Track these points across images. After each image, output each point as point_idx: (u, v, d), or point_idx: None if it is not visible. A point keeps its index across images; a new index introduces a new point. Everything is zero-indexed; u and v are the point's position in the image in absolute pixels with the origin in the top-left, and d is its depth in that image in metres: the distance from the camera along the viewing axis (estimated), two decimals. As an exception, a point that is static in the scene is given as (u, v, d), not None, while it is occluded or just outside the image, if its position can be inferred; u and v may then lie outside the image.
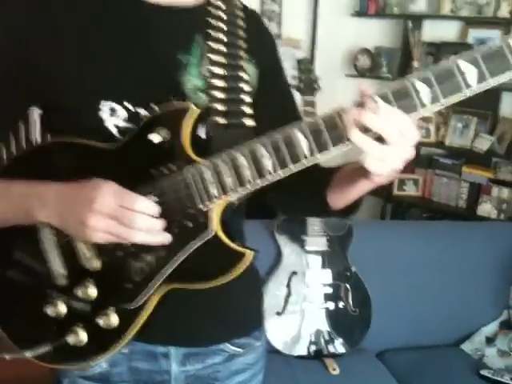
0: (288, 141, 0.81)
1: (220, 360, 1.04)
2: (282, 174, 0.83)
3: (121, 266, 0.89)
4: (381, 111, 0.76)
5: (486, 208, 3.56)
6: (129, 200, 0.82)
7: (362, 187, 0.92)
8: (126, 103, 0.90)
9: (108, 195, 0.81)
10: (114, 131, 0.91)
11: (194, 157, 0.86)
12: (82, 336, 0.91)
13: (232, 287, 0.89)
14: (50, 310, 0.91)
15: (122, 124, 0.91)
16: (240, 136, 0.91)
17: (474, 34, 3.60)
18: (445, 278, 2.34)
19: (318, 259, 2.16)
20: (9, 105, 0.94)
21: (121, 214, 0.81)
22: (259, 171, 0.83)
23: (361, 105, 0.79)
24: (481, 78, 0.75)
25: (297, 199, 1.07)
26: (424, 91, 0.76)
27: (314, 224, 2.17)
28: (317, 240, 2.17)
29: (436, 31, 3.72)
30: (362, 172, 0.86)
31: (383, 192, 3.77)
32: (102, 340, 0.92)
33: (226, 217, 0.88)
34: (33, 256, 0.93)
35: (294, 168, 0.82)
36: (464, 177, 3.67)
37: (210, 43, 0.95)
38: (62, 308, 0.91)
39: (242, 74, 0.97)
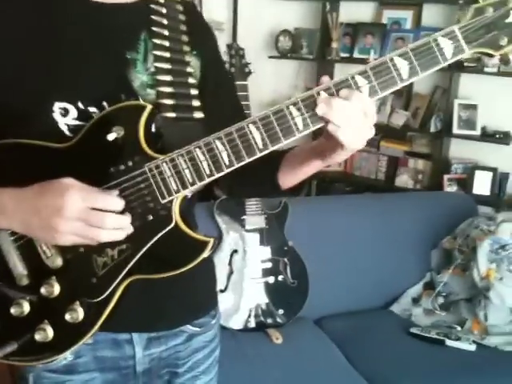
0: (242, 134, 0.85)
1: (181, 341, 1.09)
2: (237, 165, 0.86)
3: (84, 262, 0.89)
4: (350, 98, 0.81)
5: (403, 179, 3.80)
6: (96, 201, 0.83)
7: (313, 168, 0.97)
8: (79, 103, 0.91)
9: (76, 199, 0.81)
10: (65, 130, 0.91)
11: (150, 153, 0.87)
12: (49, 332, 0.90)
13: (189, 271, 0.91)
14: (14, 310, 0.91)
15: (72, 122, 0.91)
16: (190, 129, 0.96)
17: (388, 15, 3.78)
18: (372, 246, 2.51)
19: (257, 237, 2.26)
20: None
21: (90, 215, 0.82)
22: (216, 164, 0.86)
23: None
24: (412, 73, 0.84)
25: (247, 183, 1.10)
26: (364, 84, 0.83)
27: (252, 203, 2.26)
28: (255, 218, 2.26)
29: (352, 12, 3.87)
30: (316, 153, 0.92)
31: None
32: (69, 334, 0.92)
33: (184, 207, 0.91)
34: None
35: (248, 159, 0.86)
36: (382, 151, 3.90)
37: (155, 40, 0.97)
38: (26, 307, 0.91)
39: (186, 67, 1.00)
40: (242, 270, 2.24)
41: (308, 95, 0.84)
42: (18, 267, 0.91)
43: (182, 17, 1.02)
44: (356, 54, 3.86)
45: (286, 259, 2.28)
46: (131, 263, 0.89)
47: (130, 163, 0.87)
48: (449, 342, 2.13)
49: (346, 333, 2.27)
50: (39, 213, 0.83)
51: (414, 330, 2.23)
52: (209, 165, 0.86)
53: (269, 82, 4.08)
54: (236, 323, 2.23)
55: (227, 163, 0.86)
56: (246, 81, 2.32)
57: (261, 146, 0.85)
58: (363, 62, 3.52)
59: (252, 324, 2.24)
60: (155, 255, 0.89)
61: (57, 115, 0.90)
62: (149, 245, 0.88)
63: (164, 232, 0.88)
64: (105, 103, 0.91)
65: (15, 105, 0.89)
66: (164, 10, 1.00)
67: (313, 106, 0.84)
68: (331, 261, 2.42)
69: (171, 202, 0.88)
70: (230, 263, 2.24)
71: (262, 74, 3.48)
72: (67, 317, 0.89)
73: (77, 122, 0.91)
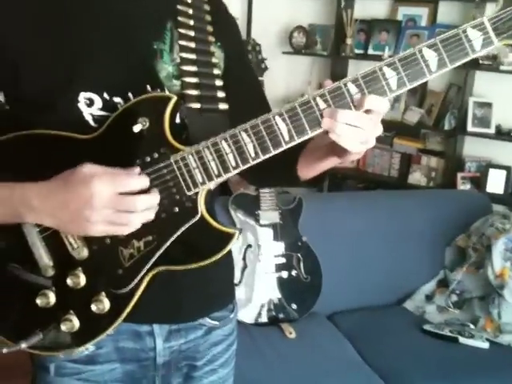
0: (268, 126, 0.85)
1: (200, 334, 1.09)
2: (263, 158, 0.86)
3: (110, 253, 0.90)
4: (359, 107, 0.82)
5: (416, 176, 3.79)
6: (123, 185, 0.82)
7: (331, 163, 0.97)
8: (104, 93, 0.91)
9: (103, 188, 0.81)
10: (90, 120, 0.91)
11: (176, 144, 0.87)
12: (75, 322, 0.91)
13: (211, 264, 0.91)
14: (40, 301, 0.91)
15: (97, 113, 0.91)
16: (215, 120, 0.96)
17: (403, 12, 3.77)
18: (385, 243, 2.51)
19: (271, 232, 2.27)
20: None
21: (121, 202, 0.82)
22: (242, 156, 0.85)
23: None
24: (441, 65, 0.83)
25: (268, 173, 1.07)
26: (392, 76, 0.83)
27: (266, 198, 2.27)
28: (269, 214, 2.27)
29: (367, 9, 3.86)
30: (332, 150, 0.92)
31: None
32: (94, 325, 0.92)
33: (208, 200, 0.91)
34: (18, 249, 0.92)
35: (274, 152, 0.86)
36: (395, 148, 3.89)
37: (180, 29, 0.96)
38: (52, 298, 0.91)
39: (211, 58, 0.99)
40: (256, 264, 2.25)
41: (335, 87, 0.84)
42: (44, 258, 0.91)
43: (206, 7, 1.01)
44: (370, 51, 3.85)
45: (299, 254, 2.28)
46: (157, 255, 0.89)
47: (156, 155, 0.87)
48: (462, 340, 2.13)
49: (358, 329, 2.28)
50: (68, 206, 0.82)
51: (427, 327, 2.23)
52: (235, 157, 0.86)
53: (282, 78, 4.09)
54: (248, 317, 2.24)
55: (253, 155, 0.86)
56: (262, 77, 2.33)
57: (287, 139, 0.85)
58: (378, 58, 3.51)
59: (264, 318, 2.25)
60: (181, 247, 0.90)
61: (82, 105, 0.90)
62: (175, 236, 0.89)
63: (190, 224, 0.88)
64: (130, 94, 0.91)
65: (40, 94, 0.89)
66: (189, 0, 0.99)
67: (339, 98, 0.84)
68: (345, 257, 2.43)
69: (197, 194, 0.88)
70: (243, 258, 2.25)
71: (276, 70, 3.49)
72: (93, 308, 0.90)
73: (102, 113, 0.91)
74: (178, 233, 0.89)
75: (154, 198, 0.86)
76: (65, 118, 0.90)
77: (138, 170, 0.87)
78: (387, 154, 3.91)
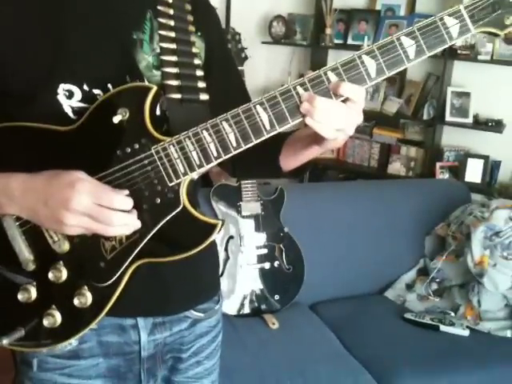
0: (249, 115, 0.84)
1: (185, 326, 1.08)
2: (244, 147, 0.86)
3: (92, 246, 0.89)
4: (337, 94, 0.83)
5: (395, 166, 3.82)
6: (105, 199, 0.82)
7: (313, 152, 0.97)
8: (84, 85, 0.90)
9: (84, 194, 0.80)
10: (69, 112, 0.90)
11: (157, 135, 0.87)
12: (57, 317, 0.90)
13: (195, 255, 0.90)
14: (21, 296, 0.90)
15: (76, 104, 0.90)
16: (196, 110, 0.95)
17: (382, 2, 3.77)
18: (366, 232, 2.53)
19: (253, 223, 2.26)
20: None
21: (97, 212, 0.81)
22: (224, 146, 0.85)
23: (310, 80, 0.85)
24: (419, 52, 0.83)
25: (250, 164, 1.09)
26: (371, 64, 0.84)
27: (248, 189, 2.26)
28: (251, 205, 2.26)
29: (346, -1, 3.86)
30: (313, 139, 0.92)
31: (300, 155, 3.92)
32: (77, 319, 0.91)
33: (191, 190, 0.90)
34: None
35: (256, 141, 0.86)
36: (375, 138, 3.91)
37: (160, 19, 0.95)
38: (33, 293, 0.90)
39: (192, 48, 0.98)
40: (238, 255, 2.24)
41: (315, 75, 0.84)
42: (24, 252, 0.90)
43: None
44: (350, 41, 3.86)
45: (281, 245, 2.28)
46: (140, 246, 0.88)
47: (137, 145, 0.87)
48: (443, 328, 2.16)
49: (340, 318, 2.29)
50: (46, 202, 0.82)
51: (408, 316, 2.25)
52: (216, 147, 0.85)
53: (262, 67, 4.07)
54: (231, 309, 2.23)
55: (234, 145, 0.86)
56: (242, 66, 2.31)
57: (268, 128, 0.85)
58: (357, 48, 3.50)
59: (247, 310, 2.25)
60: (164, 238, 0.89)
61: (61, 97, 0.89)
62: (157, 228, 0.88)
63: (172, 215, 0.88)
64: (109, 85, 0.90)
65: (19, 85, 0.88)
66: None
67: (319, 86, 0.84)
68: (326, 247, 2.43)
69: (179, 184, 0.87)
70: (225, 249, 2.24)
71: (256, 59, 3.46)
72: (75, 302, 0.89)
73: (81, 105, 0.90)
74: (160, 224, 0.88)
75: (131, 218, 0.85)
76: (45, 111, 0.89)
77: (125, 192, 0.86)
78: (367, 144, 3.93)
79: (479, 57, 3.34)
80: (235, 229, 2.25)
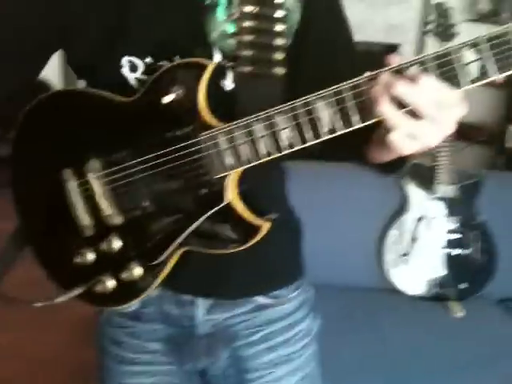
0: (310, 114, 0.75)
1: (248, 309, 1.03)
2: (300, 148, 0.78)
3: (140, 225, 0.87)
4: (417, 82, 0.67)
5: None
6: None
7: (392, 153, 0.80)
8: (148, 58, 0.86)
9: None
10: (134, 83, 0.87)
11: (209, 121, 0.80)
12: (108, 284, 0.89)
13: (265, 238, 0.84)
14: (79, 259, 0.90)
15: (142, 77, 0.87)
16: (268, 87, 0.84)
17: None
18: None
19: (446, 206, 2.19)
20: (34, 48, 0.90)
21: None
22: (276, 144, 0.77)
23: (395, 72, 0.70)
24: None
25: (336, 146, 0.91)
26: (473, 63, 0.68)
27: (443, 172, 2.19)
28: (445, 187, 2.19)
29: None
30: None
31: (493, 143, 3.67)
32: (128, 289, 0.91)
33: (248, 184, 0.84)
34: (60, 207, 0.90)
35: (314, 143, 0.77)
36: None
37: None
38: (90, 257, 0.90)
39: (275, 11, 0.84)
40: (427, 237, 2.19)
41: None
42: (83, 217, 0.89)
43: None
44: None
45: (474, 233, 2.18)
46: (183, 236, 0.85)
47: (186, 130, 0.81)
48: None
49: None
50: None
51: None
52: (268, 143, 0.78)
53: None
54: (413, 290, 2.20)
55: (288, 144, 0.77)
56: (448, 43, 2.21)
57: (329, 129, 0.75)
58: None
59: (430, 293, 2.20)
60: (206, 231, 0.85)
61: (125, 70, 0.87)
62: (200, 221, 0.84)
63: (215, 209, 0.83)
64: (177, 58, 0.84)
65: (82, 55, 0.87)
66: None
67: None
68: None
69: (225, 177, 0.82)
70: (414, 230, 2.20)
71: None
72: (124, 275, 0.89)
73: (145, 77, 0.86)
74: (203, 217, 0.84)
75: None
76: (108, 81, 0.87)
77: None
78: None
79: None
80: (426, 210, 2.20)
